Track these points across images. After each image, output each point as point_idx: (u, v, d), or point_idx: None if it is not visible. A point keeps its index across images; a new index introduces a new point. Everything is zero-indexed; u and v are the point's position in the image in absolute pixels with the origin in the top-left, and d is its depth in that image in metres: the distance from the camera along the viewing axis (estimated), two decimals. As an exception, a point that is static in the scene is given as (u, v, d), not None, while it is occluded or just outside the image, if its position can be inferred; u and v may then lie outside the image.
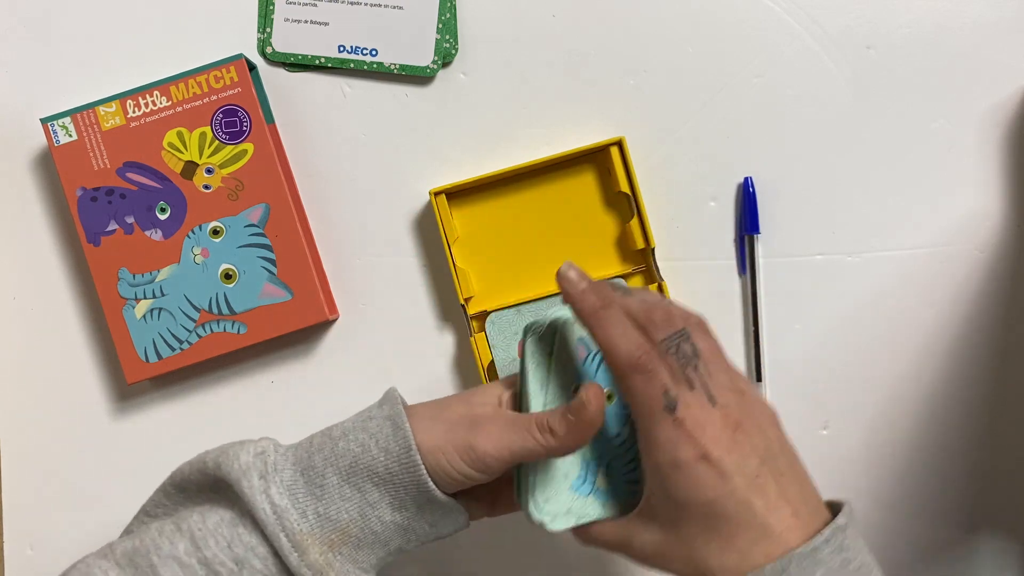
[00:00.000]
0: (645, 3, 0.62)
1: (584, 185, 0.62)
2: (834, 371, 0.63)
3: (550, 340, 0.48)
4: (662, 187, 0.62)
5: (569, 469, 0.47)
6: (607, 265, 0.62)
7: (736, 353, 0.63)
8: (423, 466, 0.45)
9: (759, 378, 0.61)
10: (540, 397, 0.47)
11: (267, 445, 0.47)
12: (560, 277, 0.46)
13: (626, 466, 0.48)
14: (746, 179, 0.62)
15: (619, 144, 0.60)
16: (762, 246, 0.62)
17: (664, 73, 0.62)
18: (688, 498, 0.42)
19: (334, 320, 0.63)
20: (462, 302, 0.60)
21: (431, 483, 0.45)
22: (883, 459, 0.63)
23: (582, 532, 0.47)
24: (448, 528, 0.48)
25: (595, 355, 0.48)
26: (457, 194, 0.61)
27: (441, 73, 0.62)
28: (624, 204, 0.61)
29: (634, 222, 0.60)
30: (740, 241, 0.62)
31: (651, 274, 0.61)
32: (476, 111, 0.62)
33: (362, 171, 0.63)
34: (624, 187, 0.60)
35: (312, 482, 0.45)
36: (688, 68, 0.62)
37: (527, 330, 0.48)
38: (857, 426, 0.63)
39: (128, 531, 0.49)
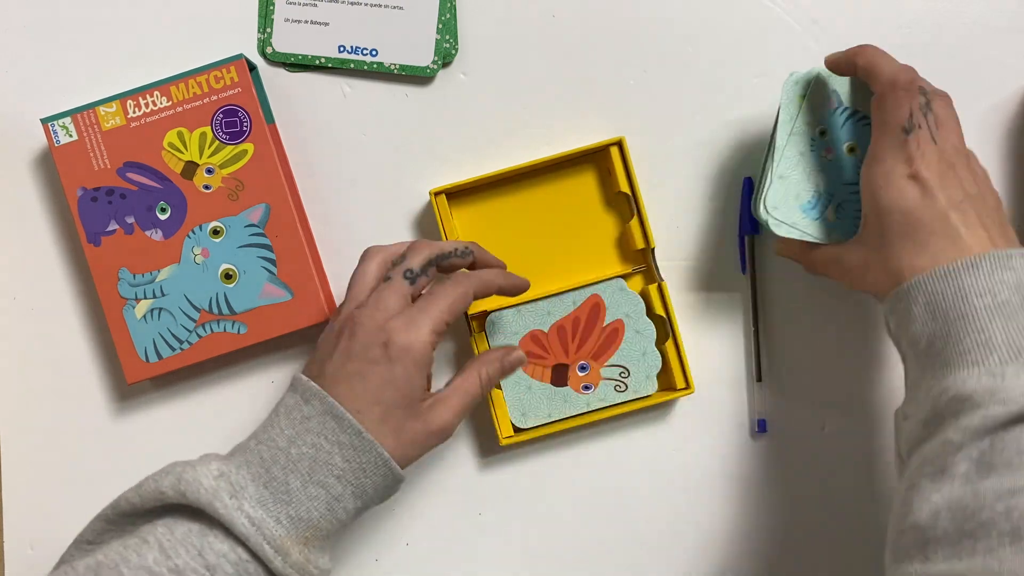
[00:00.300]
0: (645, 3, 0.62)
1: (584, 185, 0.62)
2: (834, 371, 0.63)
3: (805, 85, 0.56)
4: (662, 187, 0.62)
5: (800, 191, 0.56)
6: (607, 265, 0.62)
7: (739, 353, 0.63)
8: (378, 443, 0.49)
9: (759, 378, 0.61)
10: (784, 138, 0.56)
11: (220, 466, 0.48)
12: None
13: (855, 209, 0.55)
14: (746, 180, 0.62)
15: (619, 144, 0.60)
16: (762, 245, 0.62)
17: (664, 73, 0.62)
18: (891, 206, 0.49)
19: (334, 320, 0.63)
20: None
21: (387, 454, 0.49)
22: (883, 459, 0.63)
23: (804, 254, 0.57)
24: (388, 496, 0.52)
25: (844, 109, 0.56)
26: (457, 194, 0.61)
27: (441, 73, 0.62)
28: (624, 204, 0.61)
29: (634, 222, 0.60)
30: (740, 241, 0.62)
31: (651, 274, 0.61)
32: (476, 111, 0.62)
33: (362, 171, 0.63)
34: (624, 187, 0.60)
35: (277, 491, 0.48)
36: (688, 68, 0.62)
37: (789, 79, 0.56)
38: (857, 426, 0.63)
39: (64, 561, 0.49)
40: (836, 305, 0.63)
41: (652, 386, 0.60)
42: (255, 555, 0.46)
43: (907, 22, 0.62)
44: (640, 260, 0.61)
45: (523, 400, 0.61)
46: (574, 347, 0.60)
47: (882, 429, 0.63)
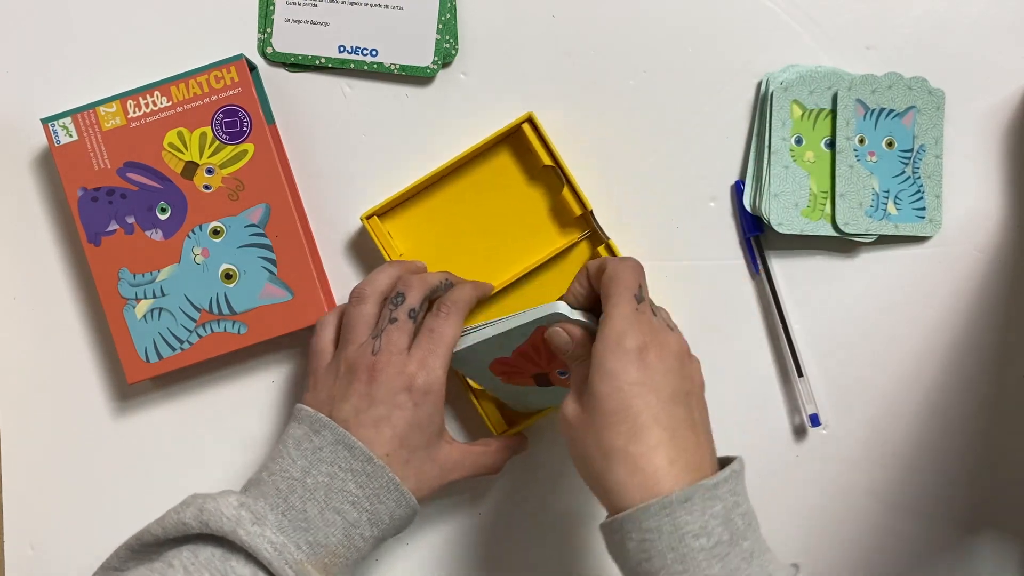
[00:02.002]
0: (645, 3, 0.62)
1: (507, 168, 0.62)
2: (834, 371, 0.63)
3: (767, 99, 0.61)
4: (662, 187, 0.62)
5: (863, 199, 0.61)
6: (553, 239, 0.62)
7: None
8: (389, 469, 0.50)
9: (800, 372, 0.62)
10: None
11: (240, 498, 0.50)
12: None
13: (911, 197, 0.61)
14: (737, 182, 0.62)
15: (530, 120, 0.60)
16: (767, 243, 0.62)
17: (664, 73, 0.62)
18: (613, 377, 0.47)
19: (334, 320, 0.63)
20: None
21: (398, 479, 0.51)
22: (883, 459, 0.63)
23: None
24: (404, 527, 0.53)
25: (869, 112, 0.61)
26: (390, 211, 0.61)
27: (441, 73, 0.62)
28: (553, 177, 0.61)
29: (565, 191, 0.60)
30: (747, 242, 0.62)
31: (597, 237, 0.61)
32: (476, 111, 0.62)
33: (362, 171, 0.63)
34: (546, 160, 0.59)
35: (296, 519, 0.49)
36: (688, 68, 0.62)
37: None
38: (857, 426, 0.63)
39: None
40: (836, 305, 0.63)
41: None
42: None
43: (907, 22, 0.62)
44: (584, 226, 0.61)
45: (518, 396, 0.59)
46: (544, 362, 0.57)
47: (882, 429, 0.63)
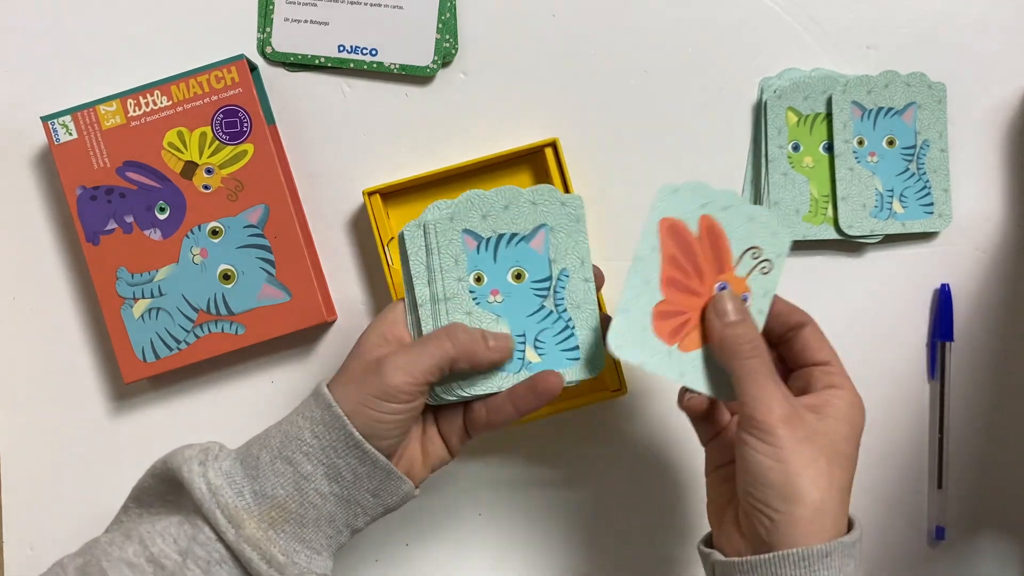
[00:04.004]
0: (645, 4, 0.62)
1: (521, 185, 0.61)
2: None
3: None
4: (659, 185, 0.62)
5: (866, 200, 0.60)
6: None
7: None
8: (345, 417, 0.46)
9: (940, 484, 0.62)
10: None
11: (212, 444, 0.49)
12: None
13: (917, 194, 0.60)
14: (943, 286, 0.62)
15: (553, 145, 0.59)
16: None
17: (664, 73, 0.62)
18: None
19: (332, 322, 0.63)
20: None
21: (356, 432, 0.46)
22: (883, 459, 0.63)
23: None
24: (393, 497, 0.48)
25: (866, 113, 0.58)
26: (394, 194, 0.61)
27: (441, 73, 0.62)
28: None
29: None
30: (932, 346, 0.63)
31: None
32: (476, 111, 0.62)
33: (362, 171, 0.63)
34: (560, 189, 0.59)
35: (248, 465, 0.47)
36: (689, 68, 0.62)
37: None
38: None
39: (83, 546, 0.50)
40: (836, 305, 0.62)
41: (787, 239, 0.50)
42: (216, 534, 0.46)
43: (907, 21, 0.62)
44: None
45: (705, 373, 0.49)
46: (707, 269, 0.49)
47: (883, 429, 0.63)
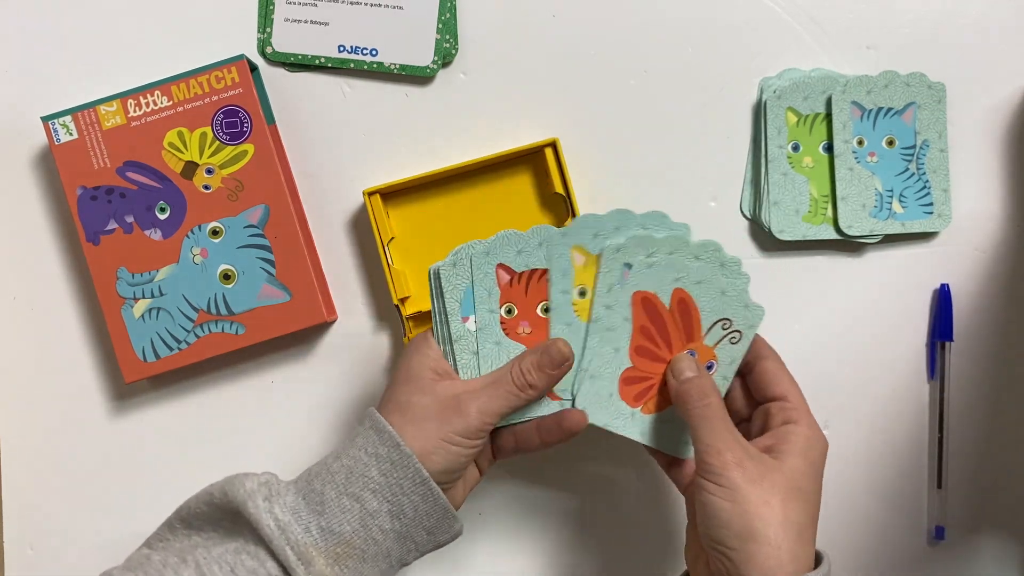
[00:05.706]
0: (645, 4, 0.62)
1: (521, 186, 0.61)
2: (834, 371, 0.62)
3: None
4: (662, 186, 0.62)
5: (866, 200, 0.60)
6: None
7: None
8: (414, 456, 0.47)
9: (939, 484, 0.62)
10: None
11: (270, 476, 0.49)
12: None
13: (916, 194, 0.60)
14: (943, 286, 0.62)
15: (553, 145, 0.59)
16: (760, 244, 0.62)
17: (664, 73, 0.62)
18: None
19: (333, 322, 0.63)
20: (396, 302, 0.59)
21: (424, 470, 0.47)
22: (883, 459, 0.63)
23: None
24: (445, 536, 0.50)
25: (866, 113, 0.58)
26: (394, 194, 0.61)
27: (441, 73, 0.62)
28: (560, 205, 0.61)
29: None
30: (931, 346, 0.62)
31: None
32: (476, 111, 0.62)
33: (362, 171, 0.63)
34: (559, 188, 0.59)
35: (312, 501, 0.47)
36: (689, 68, 0.62)
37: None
38: (857, 426, 0.63)
39: (130, 561, 0.49)
40: (836, 305, 0.62)
41: (760, 312, 0.52)
42: (283, 568, 0.46)
43: (907, 22, 0.62)
44: None
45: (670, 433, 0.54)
46: (674, 338, 0.52)
47: (882, 429, 0.63)
